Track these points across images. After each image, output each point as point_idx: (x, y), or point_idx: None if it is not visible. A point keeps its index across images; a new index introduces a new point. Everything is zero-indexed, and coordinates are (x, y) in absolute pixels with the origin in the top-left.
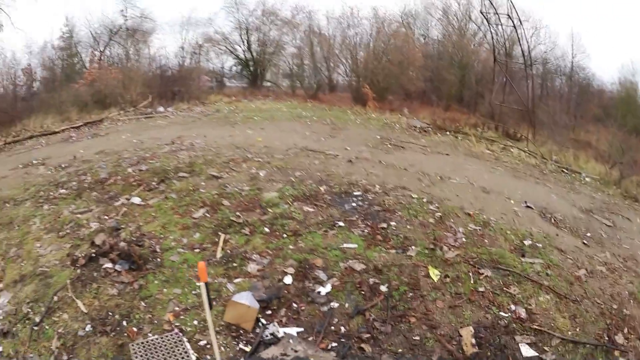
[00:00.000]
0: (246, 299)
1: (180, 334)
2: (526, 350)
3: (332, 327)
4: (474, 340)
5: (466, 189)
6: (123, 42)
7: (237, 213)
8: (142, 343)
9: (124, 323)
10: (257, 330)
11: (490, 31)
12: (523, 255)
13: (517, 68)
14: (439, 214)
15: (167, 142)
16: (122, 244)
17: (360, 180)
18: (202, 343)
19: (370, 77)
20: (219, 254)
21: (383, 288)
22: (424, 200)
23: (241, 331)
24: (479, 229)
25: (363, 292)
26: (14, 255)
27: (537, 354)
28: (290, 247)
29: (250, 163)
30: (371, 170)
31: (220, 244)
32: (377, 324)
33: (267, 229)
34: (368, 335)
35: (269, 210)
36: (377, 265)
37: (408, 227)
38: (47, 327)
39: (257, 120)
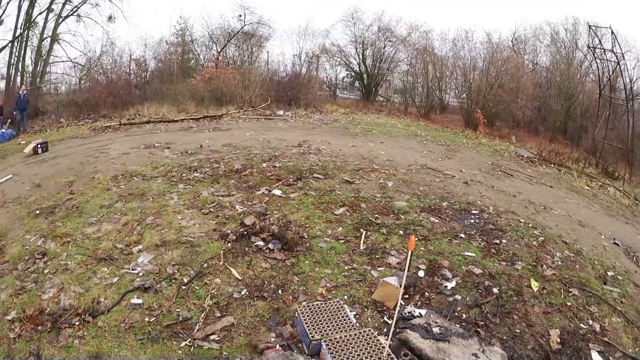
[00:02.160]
0: (394, 281)
1: (341, 301)
2: (595, 356)
3: (456, 314)
4: (559, 340)
5: (565, 221)
6: (240, 45)
7: (375, 215)
8: (309, 305)
9: (280, 292)
10: (397, 309)
11: (596, 62)
12: (605, 283)
13: (620, 102)
14: (542, 238)
15: (293, 144)
16: (273, 227)
17: (476, 201)
18: (353, 313)
19: (482, 102)
20: (362, 246)
21: (495, 290)
22: (530, 225)
23: (385, 307)
24: (573, 256)
25: (480, 291)
26: (152, 223)
27: None
28: (422, 248)
29: (378, 174)
30: (485, 193)
31: (363, 238)
32: (489, 315)
33: (401, 232)
34: (483, 323)
35: (401, 216)
36: (491, 272)
37: (516, 245)
38: (197, 287)
39: (376, 134)
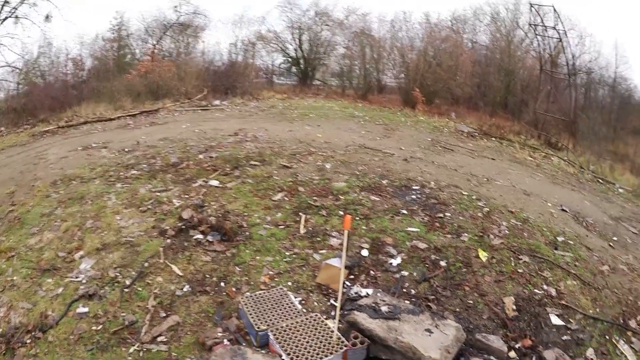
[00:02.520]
0: (337, 262)
1: (285, 289)
2: (555, 319)
3: (404, 290)
4: (514, 307)
5: (509, 191)
6: (176, 37)
7: (314, 198)
8: (252, 296)
9: (222, 284)
10: (344, 290)
11: (537, 40)
12: (556, 248)
13: (562, 77)
14: (486, 209)
15: (230, 133)
16: (211, 218)
17: (416, 177)
18: (298, 299)
19: (420, 81)
20: (302, 230)
21: (442, 263)
22: (473, 197)
23: (330, 290)
24: (520, 224)
25: (427, 265)
26: (92, 226)
27: (563, 324)
28: (364, 227)
29: (316, 156)
30: (425, 169)
31: (302, 222)
32: (439, 289)
33: (341, 212)
34: (433, 297)
35: (341, 197)
36: (436, 246)
37: (460, 218)
38: (139, 289)
39: (313, 118)
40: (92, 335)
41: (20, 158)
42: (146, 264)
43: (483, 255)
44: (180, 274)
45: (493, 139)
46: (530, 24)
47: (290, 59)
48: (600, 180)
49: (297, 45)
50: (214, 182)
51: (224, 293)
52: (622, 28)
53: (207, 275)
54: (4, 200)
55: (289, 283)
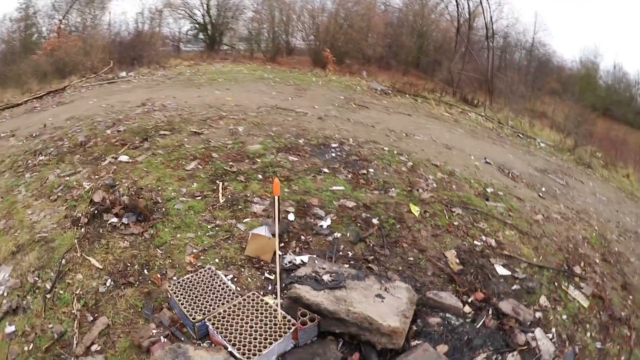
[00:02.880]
0: (265, 231)
1: (213, 268)
2: (501, 270)
3: (340, 253)
4: (457, 260)
5: (430, 145)
6: (82, 9)
7: (229, 163)
8: (179, 282)
9: (145, 272)
10: (278, 261)
11: (456, 1)
12: (487, 199)
13: (478, 39)
14: (410, 163)
15: (137, 105)
16: (124, 198)
17: (333, 135)
18: (229, 277)
19: (331, 42)
20: (221, 199)
21: (375, 221)
22: (394, 152)
23: (262, 262)
24: (446, 177)
25: (359, 224)
26: (4, 227)
27: (510, 273)
28: (286, 190)
29: (227, 120)
30: (341, 126)
31: (220, 190)
32: (377, 248)
33: (260, 176)
34: (372, 257)
35: (257, 160)
36: (365, 203)
37: (385, 173)
38: (61, 292)
39: (222, 82)
40: (26, 358)
41: None
42: (63, 261)
43: (415, 210)
44: (100, 266)
45: (407, 96)
46: None
47: (197, 25)
48: (521, 135)
49: (205, 10)
50: (124, 158)
51: (149, 282)
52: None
53: (128, 264)
54: None
55: (217, 260)
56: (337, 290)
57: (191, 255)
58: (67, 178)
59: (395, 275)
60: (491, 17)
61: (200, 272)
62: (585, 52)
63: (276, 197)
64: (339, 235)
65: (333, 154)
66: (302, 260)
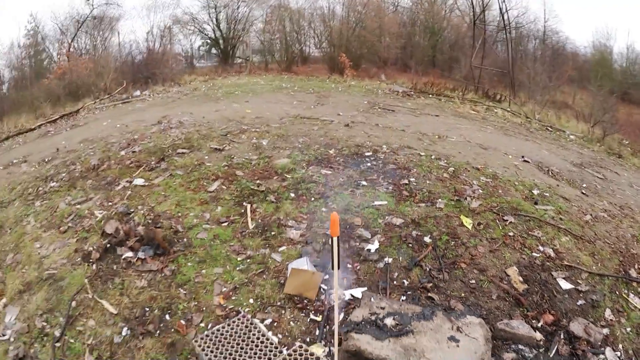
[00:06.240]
0: (306, 263)
1: (249, 316)
2: (564, 284)
3: (395, 282)
4: (520, 278)
5: (465, 146)
6: (91, 32)
7: (256, 182)
8: (209, 335)
9: (167, 317)
10: (322, 298)
11: None
12: (536, 203)
13: (490, 32)
14: (451, 169)
15: (153, 123)
16: (139, 228)
17: (364, 142)
18: (267, 322)
19: (345, 46)
20: (251, 225)
21: (427, 239)
22: (432, 157)
23: (305, 301)
24: (491, 181)
25: (410, 245)
26: (12, 262)
27: (573, 287)
28: (323, 209)
29: (249, 134)
30: (371, 133)
31: (249, 214)
32: (434, 273)
33: (292, 195)
34: (431, 284)
35: (287, 176)
36: (413, 219)
37: (427, 182)
38: (71, 340)
39: (239, 95)
40: None
41: None
42: (73, 304)
43: (468, 223)
44: (114, 311)
45: (430, 96)
46: None
47: (209, 40)
48: (550, 129)
49: (215, 25)
50: (139, 181)
51: (172, 330)
52: None
53: (147, 308)
54: None
55: (251, 300)
56: (403, 337)
57: (220, 295)
58: (78, 206)
59: (459, 305)
60: (505, 6)
61: (234, 322)
62: (597, 36)
63: (335, 239)
64: (390, 260)
65: (368, 164)
66: (353, 295)
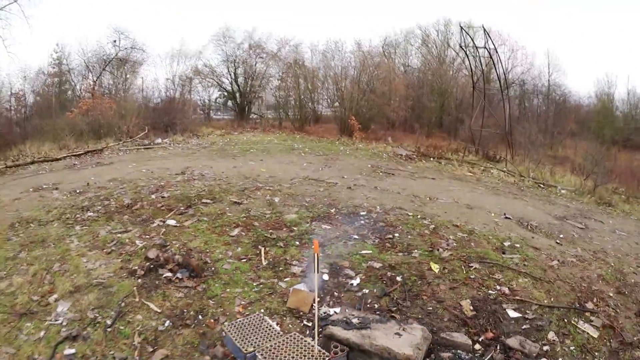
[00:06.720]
0: (304, 287)
1: (262, 314)
2: (512, 313)
3: (368, 305)
4: (471, 307)
5: (452, 207)
6: (115, 72)
7: (269, 231)
8: (233, 323)
9: (200, 317)
10: (313, 312)
11: (468, 60)
12: (504, 253)
13: (495, 93)
14: (433, 226)
15: (177, 172)
16: (177, 256)
17: (362, 203)
18: (274, 322)
19: (355, 108)
20: (264, 262)
21: (399, 278)
22: (418, 217)
23: (301, 313)
24: (466, 236)
25: (384, 281)
26: (60, 269)
27: (520, 315)
28: (320, 254)
29: (264, 191)
30: (369, 195)
31: (263, 254)
32: (400, 301)
33: (297, 243)
34: (395, 308)
35: (294, 228)
36: (390, 264)
37: (409, 237)
38: (121, 327)
39: (255, 152)
40: None
41: None
42: (122, 304)
43: (435, 267)
44: (158, 310)
45: (431, 159)
46: (460, 46)
47: (226, 93)
48: (542, 185)
49: (233, 78)
50: (172, 222)
51: (204, 325)
52: (553, 36)
53: (184, 310)
54: None
55: (262, 310)
56: (363, 329)
57: (240, 306)
58: (119, 235)
59: (414, 322)
60: (504, 69)
61: (251, 316)
62: (599, 85)
63: (315, 255)
64: (367, 291)
65: (362, 222)
66: (335, 311)
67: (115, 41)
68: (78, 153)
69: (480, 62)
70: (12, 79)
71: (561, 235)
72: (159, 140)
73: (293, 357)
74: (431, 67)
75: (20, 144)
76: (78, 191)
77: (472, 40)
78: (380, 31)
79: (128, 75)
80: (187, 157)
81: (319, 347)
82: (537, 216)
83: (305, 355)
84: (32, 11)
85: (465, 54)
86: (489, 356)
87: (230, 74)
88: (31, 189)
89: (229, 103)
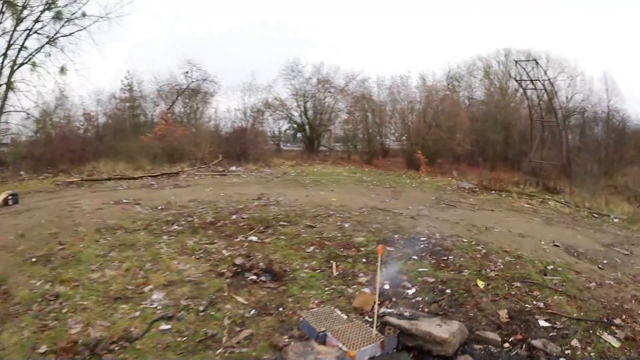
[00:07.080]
0: (368, 290)
1: (332, 307)
2: (542, 322)
3: (419, 309)
4: (507, 316)
5: (506, 235)
6: (187, 102)
7: (340, 249)
8: (309, 312)
9: (280, 309)
10: (374, 311)
11: (524, 93)
12: (545, 274)
13: (554, 124)
14: (484, 251)
15: (253, 198)
16: (260, 264)
17: (423, 231)
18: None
19: (422, 143)
20: (335, 273)
21: (448, 291)
22: (473, 243)
23: (364, 311)
24: (514, 260)
25: (435, 292)
26: (152, 267)
27: (550, 325)
28: (384, 269)
29: (335, 218)
30: (430, 224)
31: (334, 267)
32: (446, 308)
33: (364, 260)
34: (442, 313)
35: (362, 249)
36: (442, 279)
37: (462, 259)
38: (212, 312)
39: (325, 183)
40: (179, 344)
41: (52, 204)
42: (213, 296)
43: (481, 284)
44: (245, 302)
45: (492, 192)
46: (516, 79)
47: (295, 125)
48: (596, 215)
49: (302, 111)
50: (253, 238)
51: (284, 315)
52: (611, 59)
53: (267, 303)
54: (48, 239)
55: (332, 307)
56: (412, 320)
57: (314, 303)
58: (206, 246)
59: (455, 321)
60: (565, 98)
61: (324, 308)
62: None
63: (379, 257)
64: (419, 298)
65: (422, 246)
66: (391, 312)
67: (187, 72)
68: (155, 174)
69: (538, 94)
70: (85, 100)
71: (605, 261)
72: (234, 168)
73: (356, 337)
74: (494, 99)
75: (92, 161)
76: (160, 207)
77: (528, 74)
78: (442, 63)
79: (199, 105)
80: (261, 184)
81: (376, 331)
82: (585, 244)
83: (365, 335)
84: (102, 37)
85: (522, 87)
86: (515, 352)
87: (299, 107)
88: (112, 202)
89: (298, 135)
